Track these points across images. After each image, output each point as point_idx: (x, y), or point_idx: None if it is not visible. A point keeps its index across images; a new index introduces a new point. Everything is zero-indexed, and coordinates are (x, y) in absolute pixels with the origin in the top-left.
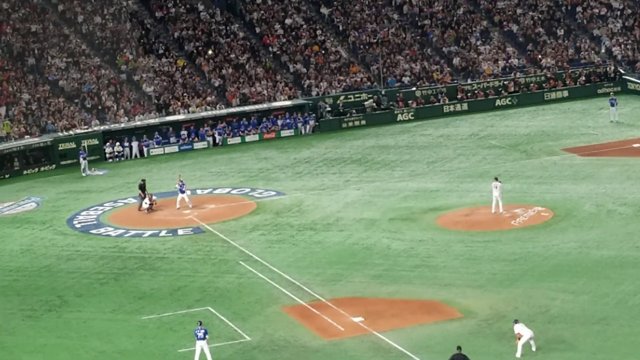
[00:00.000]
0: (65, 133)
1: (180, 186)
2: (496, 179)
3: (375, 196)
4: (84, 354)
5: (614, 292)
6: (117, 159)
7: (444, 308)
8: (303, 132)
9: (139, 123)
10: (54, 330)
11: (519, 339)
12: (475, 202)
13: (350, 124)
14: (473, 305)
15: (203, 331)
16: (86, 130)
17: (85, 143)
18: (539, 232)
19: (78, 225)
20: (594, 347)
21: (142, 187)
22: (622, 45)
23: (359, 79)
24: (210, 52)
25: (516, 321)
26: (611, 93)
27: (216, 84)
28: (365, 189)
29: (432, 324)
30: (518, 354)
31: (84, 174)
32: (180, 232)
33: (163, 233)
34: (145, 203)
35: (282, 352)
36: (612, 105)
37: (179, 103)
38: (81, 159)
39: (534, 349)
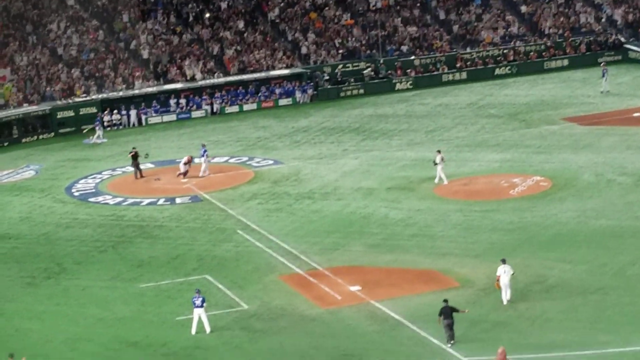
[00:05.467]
0: (64, 101)
1: (203, 151)
2: (438, 151)
3: (373, 165)
4: (83, 321)
5: (613, 262)
6: (116, 128)
7: (442, 277)
8: (301, 101)
9: (137, 91)
10: (53, 297)
11: (498, 280)
12: (474, 172)
13: (349, 92)
14: (470, 275)
15: (201, 299)
16: (85, 99)
17: (101, 114)
18: (537, 202)
19: (76, 194)
20: (592, 317)
21: (135, 156)
22: (624, 12)
23: (357, 45)
24: (207, 14)
25: (503, 261)
26: (602, 64)
27: (214, 52)
28: (363, 158)
29: (429, 293)
30: (504, 301)
31: (99, 141)
32: (178, 200)
33: (161, 201)
34: (182, 169)
35: (280, 321)
36: (603, 75)
37: (177, 70)
38: (97, 127)
39: (505, 302)
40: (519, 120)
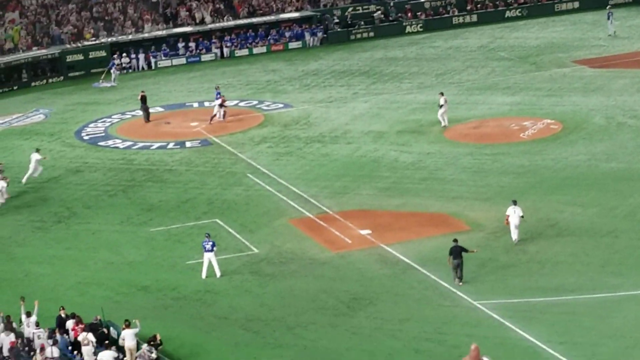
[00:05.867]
0: (74, 45)
1: (217, 94)
2: (441, 94)
3: (383, 109)
4: (93, 265)
5: (623, 205)
6: (125, 71)
7: (452, 221)
8: (311, 44)
9: (146, 35)
10: (63, 241)
11: (507, 219)
12: (484, 115)
13: (359, 35)
14: (481, 218)
15: (211, 243)
16: (94, 42)
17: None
18: (548, 145)
19: (86, 137)
20: (602, 259)
21: (144, 99)
22: None
23: None
24: None
25: (514, 202)
26: (608, 7)
27: None
28: (373, 102)
29: (439, 237)
30: (513, 238)
31: (108, 85)
32: (188, 144)
33: (171, 145)
34: (220, 112)
35: (290, 265)
36: (608, 18)
37: (187, 12)
38: (113, 69)
39: (514, 238)
40: (529, 63)
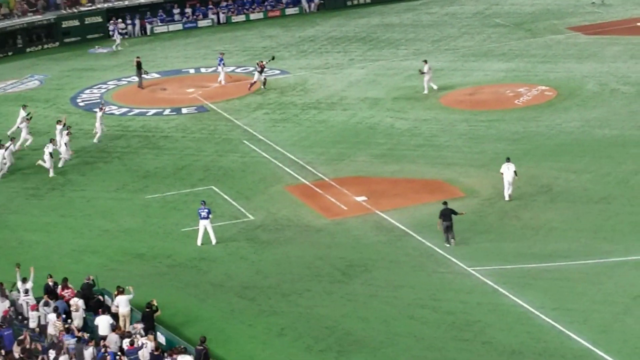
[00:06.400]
0: (69, 10)
1: (220, 60)
2: (425, 61)
3: (379, 75)
4: (88, 233)
5: (616, 171)
6: (121, 37)
7: (447, 187)
8: (308, 10)
9: (143, 1)
10: (58, 209)
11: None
12: (479, 82)
13: (355, 1)
14: (476, 185)
15: (206, 210)
16: (90, 8)
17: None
18: (542, 112)
19: (82, 104)
20: (595, 225)
21: (139, 65)
22: None
23: None
24: None
25: (507, 159)
26: None
27: None
28: (370, 68)
29: (434, 203)
30: (506, 196)
31: (121, 48)
32: (184, 110)
33: (167, 112)
34: (258, 78)
35: (285, 231)
36: None
37: None
38: (116, 34)
39: (507, 197)
40: (524, 30)
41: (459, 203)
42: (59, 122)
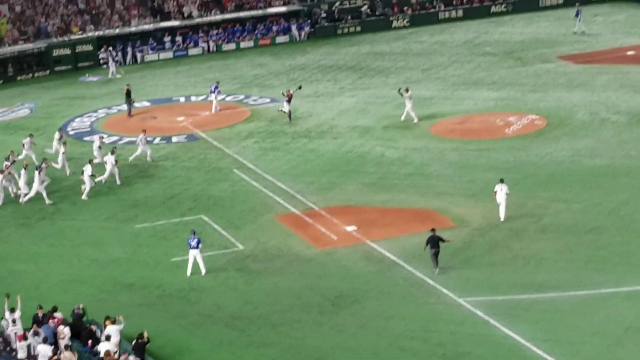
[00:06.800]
0: (60, 39)
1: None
2: (407, 89)
3: (369, 103)
4: (77, 262)
5: (607, 202)
6: (116, 65)
7: (437, 217)
8: (298, 38)
9: (133, 29)
10: (48, 238)
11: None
12: (470, 110)
13: (346, 30)
14: (466, 214)
15: (196, 240)
16: (81, 36)
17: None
18: (532, 141)
19: (72, 132)
20: (586, 256)
21: (129, 93)
22: None
23: None
24: None
25: (501, 180)
26: (577, 4)
27: None
28: (360, 96)
29: (425, 233)
30: (501, 217)
31: (95, 79)
32: (174, 139)
33: (157, 140)
34: (284, 106)
35: (275, 261)
36: (577, 15)
37: (174, 2)
38: (111, 61)
39: (502, 218)
40: (514, 59)
41: (449, 233)
42: (101, 137)
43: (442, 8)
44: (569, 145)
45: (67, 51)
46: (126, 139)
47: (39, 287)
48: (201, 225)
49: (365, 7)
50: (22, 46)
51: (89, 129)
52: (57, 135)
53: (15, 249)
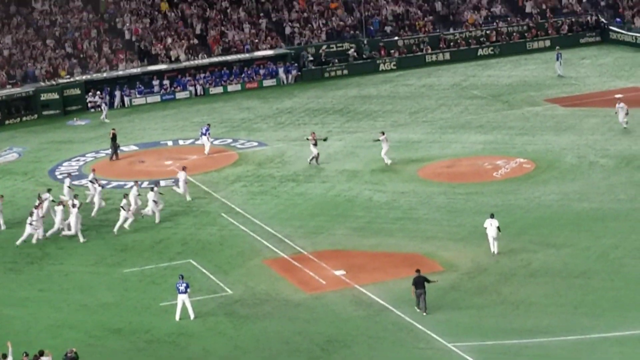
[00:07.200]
0: (48, 83)
1: (204, 130)
2: (382, 132)
3: (357, 147)
4: (66, 307)
5: (596, 246)
6: (99, 109)
7: (426, 261)
8: (285, 81)
9: (121, 73)
10: (36, 283)
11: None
12: (457, 154)
13: (333, 73)
14: (455, 259)
15: (185, 285)
16: (68, 80)
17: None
18: (520, 184)
19: (60, 176)
20: (575, 301)
21: (115, 137)
22: None
23: (341, 23)
24: None
25: (491, 215)
26: (557, 47)
27: (198, 30)
28: (348, 140)
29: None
30: (492, 251)
31: (83, 123)
32: (162, 183)
33: (145, 184)
34: (313, 153)
35: (264, 306)
36: (557, 59)
37: (161, 46)
38: (103, 106)
39: (495, 251)
40: (501, 102)
41: (437, 277)
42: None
43: (429, 51)
44: (558, 189)
45: (55, 95)
46: (114, 183)
47: (27, 332)
48: (190, 269)
49: (352, 50)
50: (10, 90)
51: (77, 173)
52: (67, 182)
53: (3, 293)
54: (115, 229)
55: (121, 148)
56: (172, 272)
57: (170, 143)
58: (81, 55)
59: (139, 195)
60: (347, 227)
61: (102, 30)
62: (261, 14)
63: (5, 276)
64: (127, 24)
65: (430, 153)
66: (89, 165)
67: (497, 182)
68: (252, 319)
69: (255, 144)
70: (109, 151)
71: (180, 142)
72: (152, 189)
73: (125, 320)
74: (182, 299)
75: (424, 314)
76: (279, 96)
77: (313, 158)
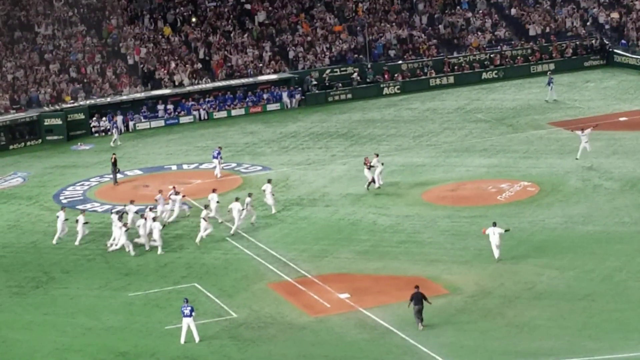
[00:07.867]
0: (51, 108)
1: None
2: (376, 155)
3: (361, 171)
4: (71, 331)
5: (600, 268)
6: (103, 134)
7: (430, 284)
8: (289, 106)
9: (125, 97)
10: (41, 307)
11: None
12: (461, 177)
13: (337, 97)
14: (459, 282)
15: (189, 308)
16: (72, 105)
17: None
18: (524, 208)
19: (64, 201)
20: (579, 323)
21: (115, 162)
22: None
23: (345, 47)
24: (194, 19)
25: (494, 224)
26: (549, 72)
27: (201, 54)
28: (352, 164)
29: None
30: (496, 257)
31: (87, 148)
32: (166, 207)
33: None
34: (367, 176)
35: (269, 329)
36: (549, 84)
37: (165, 70)
38: (114, 130)
39: (496, 256)
40: (506, 125)
41: (442, 300)
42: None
43: (433, 75)
44: (562, 212)
45: (59, 120)
46: (118, 208)
47: (33, 355)
48: (194, 293)
49: (356, 74)
50: (14, 115)
51: (81, 198)
52: (81, 219)
53: (8, 317)
54: (198, 240)
55: (125, 172)
56: (176, 296)
57: (174, 167)
58: (85, 80)
59: (218, 202)
60: (351, 251)
61: (105, 57)
62: (265, 39)
63: (10, 300)
64: (130, 50)
65: (435, 176)
66: (93, 189)
67: (501, 206)
68: (256, 342)
69: (259, 168)
70: (112, 176)
71: (185, 166)
72: (249, 195)
73: (131, 344)
74: (187, 322)
75: (420, 327)
76: (282, 120)
77: (369, 183)
